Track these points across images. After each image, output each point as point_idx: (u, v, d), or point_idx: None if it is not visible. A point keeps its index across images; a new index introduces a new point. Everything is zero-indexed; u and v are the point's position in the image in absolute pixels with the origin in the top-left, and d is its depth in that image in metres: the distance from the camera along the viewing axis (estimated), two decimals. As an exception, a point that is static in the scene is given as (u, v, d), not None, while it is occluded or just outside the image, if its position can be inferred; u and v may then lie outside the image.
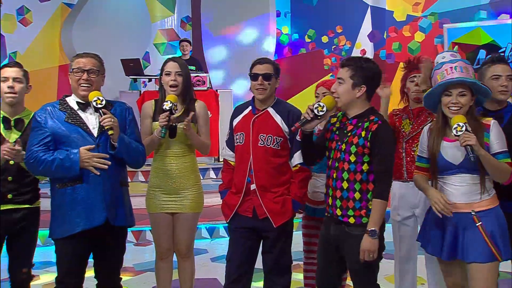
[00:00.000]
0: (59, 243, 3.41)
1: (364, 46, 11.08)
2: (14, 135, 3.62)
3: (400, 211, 3.98)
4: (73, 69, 3.40)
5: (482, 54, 9.07)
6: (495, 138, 3.12)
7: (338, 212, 3.21)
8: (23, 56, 10.20)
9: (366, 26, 11.01)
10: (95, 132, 3.38)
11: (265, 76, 3.61)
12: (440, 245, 3.22)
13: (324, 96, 4.03)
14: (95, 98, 3.34)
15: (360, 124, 3.19)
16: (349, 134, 3.20)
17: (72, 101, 3.44)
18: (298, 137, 3.50)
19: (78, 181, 3.33)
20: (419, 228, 3.97)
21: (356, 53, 11.22)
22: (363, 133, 3.15)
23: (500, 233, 3.09)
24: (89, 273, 3.51)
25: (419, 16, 9.91)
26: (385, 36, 10.52)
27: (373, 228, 3.09)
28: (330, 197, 3.27)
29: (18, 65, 3.73)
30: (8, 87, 3.61)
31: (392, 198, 4.02)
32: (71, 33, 10.70)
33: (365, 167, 3.15)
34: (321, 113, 3.12)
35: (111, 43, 10.60)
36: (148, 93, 9.19)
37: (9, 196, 3.60)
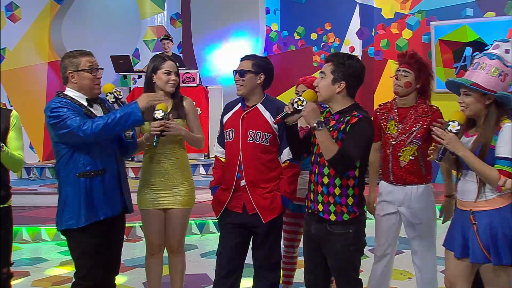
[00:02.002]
0: (82, 232, 3.41)
1: (352, 43, 11.11)
2: None
3: (385, 205, 3.98)
4: (89, 68, 3.46)
5: (468, 51, 9.14)
6: (500, 142, 3.00)
7: (320, 207, 3.23)
8: (12, 52, 10.14)
9: (355, 23, 11.04)
10: None
11: (240, 72, 3.64)
12: (453, 241, 3.21)
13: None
14: (115, 90, 3.55)
15: (342, 119, 3.20)
16: (331, 129, 3.22)
17: (76, 97, 3.48)
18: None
19: (102, 171, 3.44)
20: (402, 225, 4.00)
21: (344, 50, 11.27)
22: (342, 127, 3.17)
23: (491, 237, 3.02)
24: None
25: (407, 14, 9.96)
26: (373, 33, 10.55)
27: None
28: (311, 192, 3.30)
29: None
30: None
31: (380, 194, 4.05)
32: (60, 29, 10.66)
33: None
34: (301, 107, 3.16)
35: (101, 39, 10.58)
36: (138, 89, 9.19)
37: None
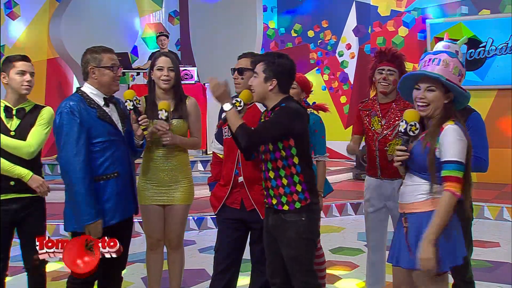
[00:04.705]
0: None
1: (349, 41, 11.18)
2: (14, 123, 3.71)
3: (373, 202, 4.05)
4: (111, 65, 3.47)
5: (463, 48, 9.21)
6: (445, 145, 2.82)
7: (274, 201, 3.33)
8: (11, 49, 10.13)
9: (351, 21, 11.11)
10: (119, 126, 3.52)
11: (239, 70, 3.69)
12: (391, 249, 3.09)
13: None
14: (135, 98, 3.57)
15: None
16: None
17: (93, 95, 3.48)
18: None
19: (115, 174, 3.45)
20: (390, 220, 4.06)
21: (341, 47, 11.36)
22: None
23: (418, 240, 2.87)
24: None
25: (403, 11, 10.04)
26: (369, 31, 10.63)
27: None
28: (265, 189, 3.40)
29: (28, 58, 3.81)
30: (27, 81, 3.72)
31: (366, 190, 4.12)
32: (59, 26, 10.67)
33: (282, 153, 3.26)
34: (239, 108, 3.28)
35: (99, 36, 10.54)
36: (137, 86, 9.22)
37: (12, 183, 3.67)
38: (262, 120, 3.40)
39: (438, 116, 2.91)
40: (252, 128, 3.21)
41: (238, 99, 3.30)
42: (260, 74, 3.31)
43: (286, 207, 3.29)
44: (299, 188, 3.28)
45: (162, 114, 3.80)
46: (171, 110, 3.98)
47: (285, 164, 3.28)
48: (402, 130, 2.96)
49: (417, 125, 2.94)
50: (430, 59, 2.94)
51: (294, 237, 3.27)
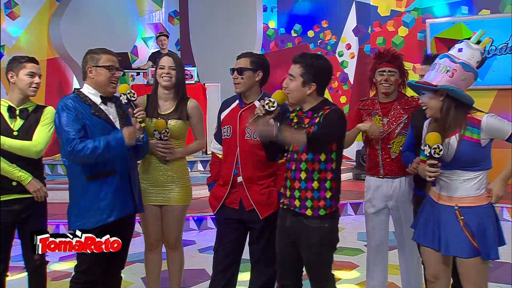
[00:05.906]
0: (89, 232, 3.35)
1: (349, 41, 11.19)
2: (18, 123, 3.75)
3: (374, 202, 4.05)
4: (107, 66, 3.49)
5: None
6: (497, 129, 3.11)
7: (297, 203, 3.25)
8: (11, 50, 10.14)
9: (351, 21, 11.12)
10: (117, 125, 3.54)
11: (238, 70, 3.68)
12: (431, 236, 3.24)
13: None
14: (128, 91, 3.57)
15: (315, 115, 3.24)
16: (306, 126, 3.24)
17: (90, 95, 3.51)
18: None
19: (111, 172, 3.46)
20: (391, 219, 4.07)
21: (341, 47, 11.37)
22: (317, 120, 3.20)
23: (478, 232, 3.10)
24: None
25: (403, 11, 10.04)
26: (369, 31, 10.63)
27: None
28: (288, 189, 3.31)
29: (36, 60, 3.86)
30: (36, 83, 3.77)
31: (367, 191, 4.12)
32: (59, 27, 10.68)
33: (322, 156, 3.19)
34: (272, 109, 3.15)
35: (99, 37, 10.58)
36: (137, 86, 9.24)
37: (14, 183, 3.70)
38: (316, 122, 3.22)
39: (448, 109, 3.16)
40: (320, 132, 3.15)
41: (272, 99, 3.16)
42: (297, 78, 3.23)
43: (309, 212, 3.22)
44: (328, 194, 3.22)
45: (156, 134, 3.91)
46: (172, 110, 4.03)
47: (321, 168, 3.21)
48: (428, 154, 3.06)
49: (440, 147, 3.06)
50: (434, 64, 3.23)
51: (316, 243, 3.22)
